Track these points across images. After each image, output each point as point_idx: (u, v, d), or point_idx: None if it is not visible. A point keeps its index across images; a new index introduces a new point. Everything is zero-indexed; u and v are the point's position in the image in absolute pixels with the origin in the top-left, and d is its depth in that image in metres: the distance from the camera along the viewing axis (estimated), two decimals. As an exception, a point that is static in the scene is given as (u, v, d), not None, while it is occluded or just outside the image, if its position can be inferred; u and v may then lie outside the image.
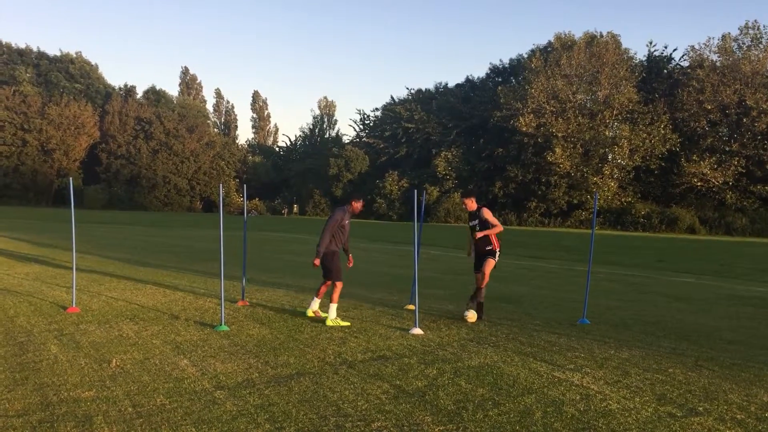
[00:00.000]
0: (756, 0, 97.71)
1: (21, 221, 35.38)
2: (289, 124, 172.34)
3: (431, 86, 77.18)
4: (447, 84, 75.25)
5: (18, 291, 9.90)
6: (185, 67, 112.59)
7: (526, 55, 64.50)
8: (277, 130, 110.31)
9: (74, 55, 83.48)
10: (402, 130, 68.94)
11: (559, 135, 55.12)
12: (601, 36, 58.33)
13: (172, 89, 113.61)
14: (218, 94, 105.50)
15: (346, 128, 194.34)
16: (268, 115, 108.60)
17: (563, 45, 58.83)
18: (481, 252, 8.28)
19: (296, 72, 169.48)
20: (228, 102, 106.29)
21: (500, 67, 71.45)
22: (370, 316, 8.33)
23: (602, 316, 8.89)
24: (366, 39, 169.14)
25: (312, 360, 5.93)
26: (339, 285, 7.85)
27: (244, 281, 9.62)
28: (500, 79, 69.54)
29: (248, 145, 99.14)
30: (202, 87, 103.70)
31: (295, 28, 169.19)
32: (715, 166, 52.22)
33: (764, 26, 55.11)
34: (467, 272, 12.57)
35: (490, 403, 4.74)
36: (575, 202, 56.49)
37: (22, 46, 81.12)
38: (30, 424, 4.10)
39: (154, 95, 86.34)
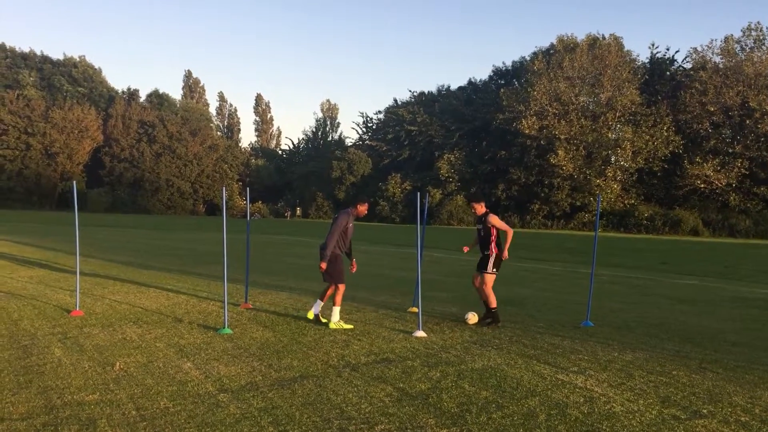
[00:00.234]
0: (758, 1, 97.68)
1: (25, 225, 35.47)
2: (292, 127, 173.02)
3: (434, 89, 77.41)
4: (449, 86, 75.44)
5: (22, 294, 9.92)
6: (188, 70, 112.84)
7: (528, 58, 64.57)
8: (279, 133, 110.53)
9: (77, 59, 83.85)
10: (405, 133, 68.99)
11: (562, 137, 55.09)
12: (604, 38, 58.35)
13: (175, 93, 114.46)
14: (221, 98, 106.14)
15: (349, 131, 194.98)
16: (271, 118, 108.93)
17: (566, 47, 58.82)
18: (482, 254, 8.26)
19: (299, 75, 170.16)
20: (231, 105, 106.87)
21: (503, 69, 71.52)
22: (373, 319, 8.33)
23: (606, 318, 8.87)
24: (368, 42, 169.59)
25: (315, 363, 5.93)
26: (341, 288, 7.85)
27: (247, 284, 9.62)
28: (503, 82, 69.58)
29: (251, 148, 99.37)
30: (205, 90, 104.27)
31: (298, 31, 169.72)
32: (719, 168, 52.11)
33: (767, 28, 55.13)
34: (470, 275, 12.55)
35: (493, 405, 4.73)
36: (578, 204, 56.42)
37: (26, 50, 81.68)
38: (34, 428, 4.11)
39: (157, 99, 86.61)
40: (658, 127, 53.89)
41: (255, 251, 18.29)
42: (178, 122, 79.94)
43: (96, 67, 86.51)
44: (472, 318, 8.04)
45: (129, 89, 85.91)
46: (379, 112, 79.59)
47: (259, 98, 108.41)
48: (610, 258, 21.04)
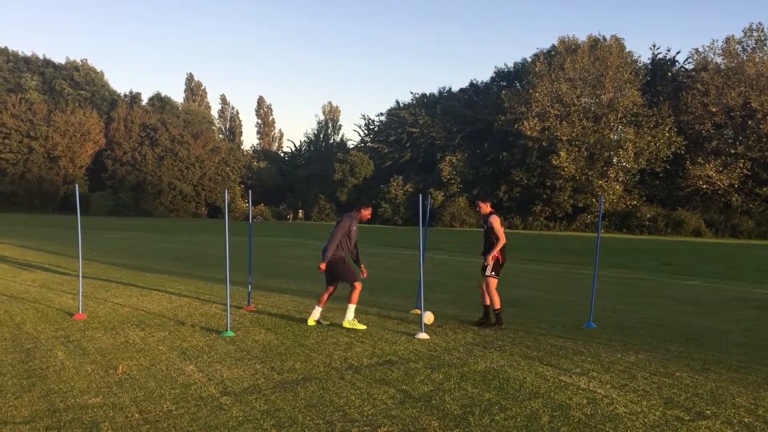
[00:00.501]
0: (760, 2, 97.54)
1: (27, 228, 35.52)
2: (294, 130, 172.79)
3: (435, 91, 77.38)
4: (451, 88, 75.35)
5: (24, 298, 9.94)
6: (190, 73, 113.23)
7: (530, 59, 64.47)
8: (281, 135, 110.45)
9: (80, 63, 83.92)
10: (406, 135, 68.99)
11: (564, 138, 55.06)
12: (605, 39, 58.34)
13: (177, 96, 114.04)
14: (223, 100, 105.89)
15: (351, 133, 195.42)
16: (273, 121, 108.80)
17: (567, 49, 58.82)
18: (484, 257, 8.31)
19: (301, 77, 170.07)
20: (233, 108, 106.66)
21: (504, 71, 71.40)
22: (376, 321, 8.33)
23: (608, 319, 8.86)
24: (370, 44, 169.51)
25: (318, 365, 5.93)
26: (358, 286, 7.81)
27: (249, 287, 9.63)
28: (504, 83, 69.49)
29: (253, 150, 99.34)
30: (206, 93, 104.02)
31: (299, 33, 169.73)
32: (721, 169, 52.03)
33: (768, 28, 55.04)
34: (473, 276, 12.56)
35: (496, 407, 4.73)
36: (580, 205, 56.36)
37: (28, 53, 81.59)
38: (37, 431, 4.12)
39: (159, 102, 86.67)
40: (659, 128, 53.84)
41: (257, 254, 18.29)
42: (180, 125, 79.98)
43: (98, 70, 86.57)
44: (429, 318, 8.04)
45: (131, 92, 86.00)
46: (381, 114, 79.60)
47: (260, 101, 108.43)
48: (613, 259, 21.01)
